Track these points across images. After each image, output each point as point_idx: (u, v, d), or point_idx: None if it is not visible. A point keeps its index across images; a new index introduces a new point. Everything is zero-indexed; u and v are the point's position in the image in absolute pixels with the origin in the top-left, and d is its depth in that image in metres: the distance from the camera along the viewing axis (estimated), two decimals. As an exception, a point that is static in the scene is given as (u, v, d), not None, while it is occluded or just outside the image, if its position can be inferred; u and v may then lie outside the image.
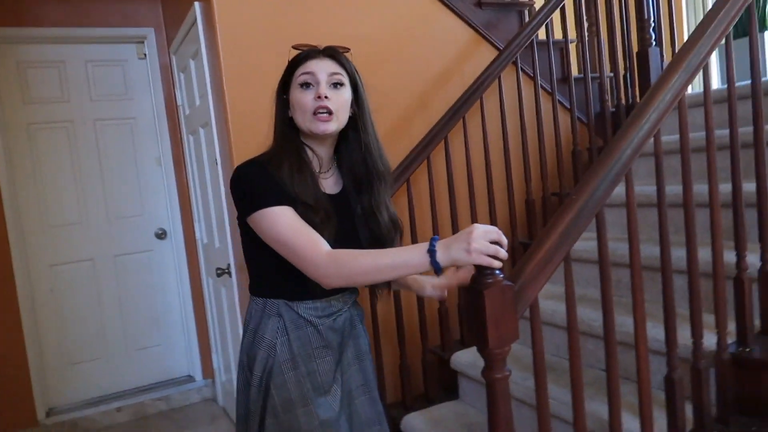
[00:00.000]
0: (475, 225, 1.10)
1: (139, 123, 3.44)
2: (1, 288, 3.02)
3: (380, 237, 1.38)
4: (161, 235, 3.49)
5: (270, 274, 1.33)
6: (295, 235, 1.22)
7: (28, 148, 3.20)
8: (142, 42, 3.40)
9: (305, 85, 1.30)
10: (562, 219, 1.24)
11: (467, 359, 2.24)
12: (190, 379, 3.54)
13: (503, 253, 1.10)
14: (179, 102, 3.27)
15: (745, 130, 1.64)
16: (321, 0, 2.42)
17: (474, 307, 1.13)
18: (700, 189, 1.68)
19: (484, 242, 1.08)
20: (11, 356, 3.04)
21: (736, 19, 1.49)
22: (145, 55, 3.42)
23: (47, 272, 3.25)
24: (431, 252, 1.10)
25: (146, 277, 3.47)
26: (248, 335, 1.36)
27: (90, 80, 3.33)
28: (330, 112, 1.28)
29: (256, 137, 2.29)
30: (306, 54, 1.32)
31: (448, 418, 2.21)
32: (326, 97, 1.28)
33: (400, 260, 1.15)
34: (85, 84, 3.32)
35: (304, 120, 1.30)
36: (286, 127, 1.36)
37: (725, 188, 1.63)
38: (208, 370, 3.48)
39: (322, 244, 1.21)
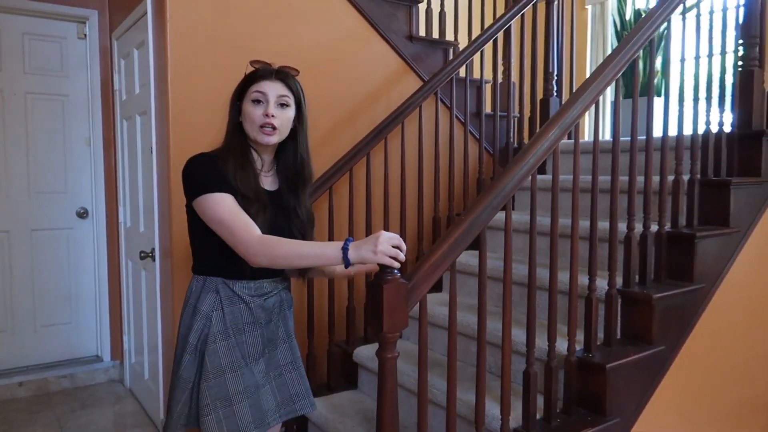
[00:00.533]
0: (382, 231, 1.39)
1: (71, 101, 3.48)
2: None
3: (300, 229, 1.65)
4: (83, 214, 3.53)
5: (211, 255, 1.54)
6: (232, 218, 1.46)
7: (-48, 113, 3.18)
8: (84, 22, 3.46)
9: (256, 102, 1.55)
10: (451, 234, 1.53)
11: (368, 353, 2.51)
12: (97, 359, 3.58)
13: (402, 257, 1.39)
14: (116, 86, 3.36)
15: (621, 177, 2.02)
16: (265, 13, 2.63)
17: (374, 298, 1.40)
18: (566, 222, 2.06)
19: (387, 246, 1.37)
20: None
21: (604, 90, 1.87)
22: (85, 35, 3.47)
23: (-42, 240, 3.22)
24: (344, 249, 1.38)
25: (63, 254, 3.50)
26: (188, 309, 1.58)
27: (25, 52, 3.35)
28: (274, 128, 1.54)
29: (193, 130, 2.49)
30: (261, 74, 1.57)
31: (346, 404, 2.46)
32: (273, 116, 1.53)
33: (319, 251, 1.43)
34: (20, 56, 3.33)
35: (252, 130, 1.56)
36: (236, 130, 1.60)
37: (586, 224, 2.01)
38: (117, 352, 3.55)
39: (254, 228, 1.46)
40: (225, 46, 2.53)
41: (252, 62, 1.61)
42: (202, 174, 1.51)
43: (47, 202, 3.45)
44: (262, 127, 1.53)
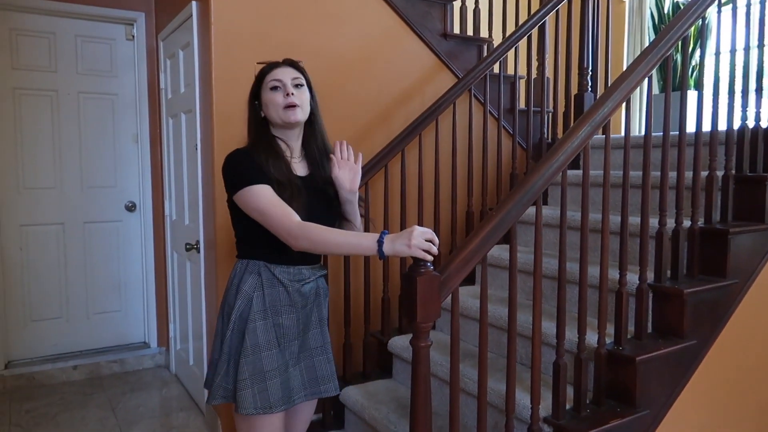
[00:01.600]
0: (416, 226, 1.47)
1: (120, 100, 3.65)
2: (-25, 242, 3.20)
3: (337, 207, 1.77)
4: (131, 207, 3.71)
5: (255, 241, 1.66)
6: (272, 207, 1.57)
7: (12, 111, 3.37)
8: (132, 24, 3.62)
9: (275, 88, 1.69)
10: (482, 229, 1.60)
11: (403, 344, 2.59)
12: (145, 345, 3.77)
13: (435, 250, 1.47)
14: (162, 85, 3.51)
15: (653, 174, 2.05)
16: (305, 14, 2.72)
17: (408, 289, 1.48)
18: (596, 217, 2.09)
19: (421, 240, 1.45)
20: (-23, 307, 3.22)
21: (636, 88, 1.89)
22: (133, 36, 3.63)
23: (18, 231, 3.43)
24: (380, 242, 1.47)
25: (113, 245, 3.68)
26: (231, 289, 1.69)
27: (78, 54, 3.53)
28: (296, 105, 1.68)
29: (236, 128, 2.60)
30: (271, 65, 1.72)
31: (381, 392, 2.55)
32: (292, 94, 1.67)
33: (355, 242, 1.53)
34: (72, 57, 3.51)
35: (277, 114, 1.68)
36: (259, 125, 1.73)
37: (617, 219, 2.04)
38: (163, 339, 3.73)
39: (294, 215, 1.57)
40: (267, 47, 2.63)
41: (259, 63, 1.77)
42: (239, 169, 1.63)
43: (98, 196, 3.64)
44: (285, 108, 1.66)
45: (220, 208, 2.60)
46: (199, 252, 2.86)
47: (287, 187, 1.63)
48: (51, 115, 3.48)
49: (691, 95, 2.29)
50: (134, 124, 3.69)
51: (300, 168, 1.76)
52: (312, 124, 1.77)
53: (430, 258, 1.46)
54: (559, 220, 2.50)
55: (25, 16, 3.37)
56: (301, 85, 1.71)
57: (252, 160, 1.64)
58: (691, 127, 2.14)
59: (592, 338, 1.96)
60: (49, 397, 3.23)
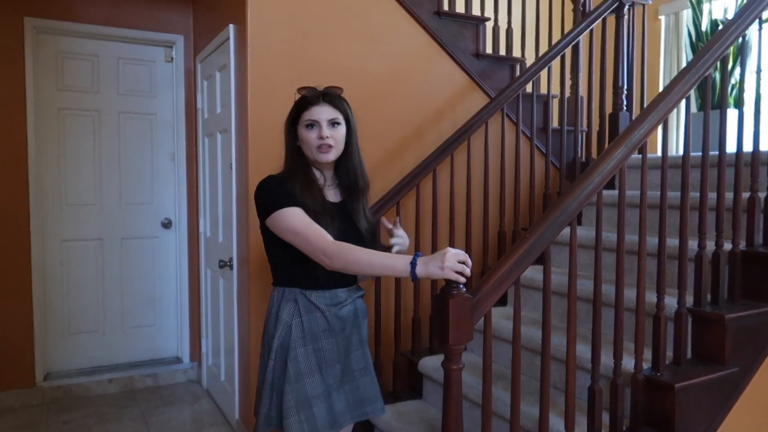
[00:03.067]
0: (448, 248, 1.46)
1: (158, 119, 3.76)
2: (18, 258, 3.31)
3: (367, 234, 1.76)
4: (167, 224, 3.79)
5: (288, 267, 1.67)
6: (306, 227, 1.58)
7: (57, 130, 3.50)
8: (171, 47, 3.73)
9: (310, 126, 1.67)
10: (516, 251, 1.58)
11: (433, 364, 2.57)
12: (177, 360, 3.82)
13: (468, 272, 1.45)
14: (199, 105, 3.59)
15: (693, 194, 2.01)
16: (336, 36, 2.77)
17: (440, 311, 1.47)
18: (632, 238, 2.05)
19: (454, 262, 1.44)
20: (20, 321, 3.33)
21: (674, 108, 1.86)
22: (172, 58, 3.74)
23: (59, 247, 3.53)
24: (413, 264, 1.46)
25: (148, 261, 3.76)
26: (271, 318, 1.71)
27: (119, 75, 3.65)
28: (330, 146, 1.67)
29: (271, 148, 2.64)
30: (310, 100, 1.69)
31: (412, 412, 2.53)
32: (327, 137, 1.66)
33: (389, 263, 1.52)
34: (114, 78, 3.63)
35: (311, 152, 1.69)
36: (295, 153, 1.73)
37: (653, 241, 2.00)
38: (195, 354, 3.78)
39: (327, 235, 1.58)
40: (302, 67, 2.68)
41: (299, 90, 1.74)
42: (271, 194, 1.65)
43: (136, 213, 3.73)
44: (319, 147, 1.66)
45: (253, 226, 2.64)
46: (232, 269, 2.90)
47: (323, 215, 1.64)
48: (93, 134, 3.60)
49: (731, 114, 2.24)
50: (171, 143, 3.78)
51: (332, 194, 1.77)
52: (346, 156, 1.75)
53: (463, 280, 1.45)
54: (593, 240, 2.47)
55: (71, 39, 3.50)
56: (337, 124, 1.69)
57: (284, 186, 1.65)
58: (731, 147, 2.09)
59: (628, 363, 1.91)
60: (84, 409, 3.29)
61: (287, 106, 2.66)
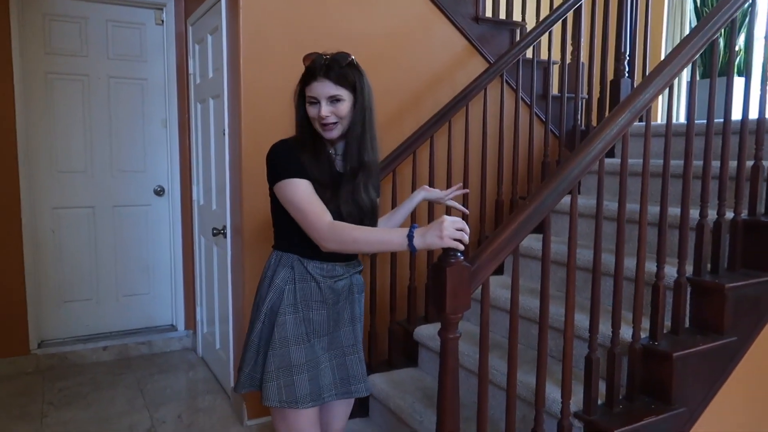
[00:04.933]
0: (445, 217, 1.42)
1: (149, 85, 3.67)
2: (9, 225, 3.26)
3: (363, 209, 1.66)
4: (159, 192, 3.73)
5: (290, 234, 1.63)
6: (307, 204, 1.54)
7: (45, 96, 3.41)
8: (161, 9, 3.62)
9: (312, 103, 1.59)
10: (515, 219, 1.55)
11: (428, 333, 2.56)
12: (172, 328, 3.82)
13: (466, 239, 1.43)
14: (191, 70, 3.50)
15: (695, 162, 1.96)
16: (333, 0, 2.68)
17: (437, 280, 1.44)
18: (633, 207, 2.02)
19: (452, 230, 1.41)
20: (12, 289, 3.29)
21: (678, 74, 1.81)
22: (162, 21, 3.63)
23: (50, 214, 3.48)
24: (410, 237, 1.42)
25: (141, 229, 3.72)
26: (265, 281, 1.68)
27: (109, 39, 3.54)
28: (334, 123, 1.59)
29: (265, 114, 2.58)
30: (311, 74, 1.57)
31: (407, 381, 2.53)
32: (326, 116, 1.57)
33: (385, 238, 1.48)
34: (103, 42, 3.53)
35: (315, 126, 1.62)
36: (304, 123, 1.65)
37: (654, 210, 1.97)
38: (190, 322, 3.77)
39: (326, 215, 1.53)
40: (296, 32, 2.60)
41: (304, 59, 1.63)
42: (281, 161, 1.60)
43: (128, 180, 3.67)
44: (322, 125, 1.59)
45: (247, 194, 2.59)
46: (225, 237, 2.86)
47: (329, 186, 1.60)
48: (82, 100, 3.51)
49: (737, 82, 2.19)
50: (163, 109, 3.70)
51: (338, 163, 1.71)
52: (349, 130, 1.62)
53: (461, 247, 1.42)
54: (593, 209, 2.44)
55: (58, 1, 3.39)
56: (338, 101, 1.57)
57: (295, 154, 1.61)
58: (736, 115, 2.04)
59: (626, 332, 1.89)
60: (80, 376, 3.29)
61: (282, 70, 2.60)
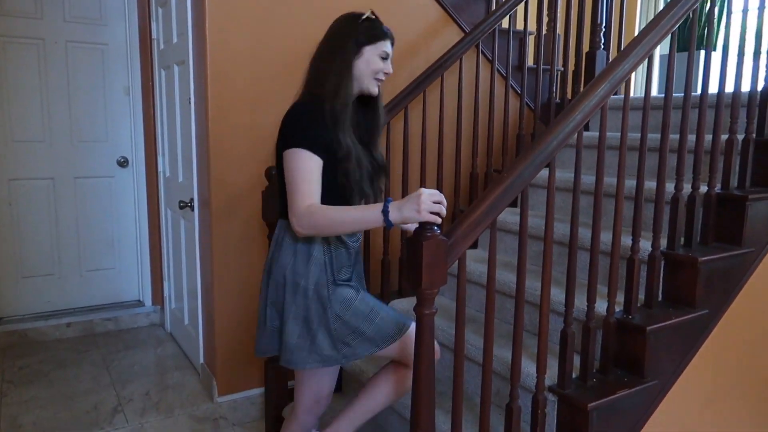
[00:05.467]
0: (422, 189, 1.38)
1: (110, 50, 3.49)
2: (-39, 196, 3.09)
3: (381, 166, 1.72)
4: (123, 163, 3.59)
5: (323, 199, 1.56)
6: (301, 182, 1.50)
7: (-3, 60, 3.22)
8: (121, -31, 3.43)
9: (384, 59, 1.64)
10: (492, 191, 1.50)
11: (402, 307, 2.53)
12: (139, 303, 3.71)
13: (444, 212, 1.40)
14: (154, 35, 3.34)
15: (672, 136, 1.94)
16: (306, -40, 2.56)
17: (413, 254, 1.39)
18: (611, 181, 2.00)
19: (429, 203, 1.38)
20: (-34, 263, 3.14)
21: (657, 44, 1.77)
22: (122, -18, 3.45)
23: (6, 186, 3.32)
24: (385, 212, 1.39)
25: (105, 201, 3.58)
26: (300, 255, 1.61)
27: (65, 0, 3.35)
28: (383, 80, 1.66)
29: (232, 82, 2.48)
30: (388, 35, 1.65)
31: (381, 357, 2.50)
32: (391, 71, 1.67)
33: (359, 216, 1.46)
34: (59, 3, 3.33)
35: (366, 78, 1.62)
36: (347, 75, 1.59)
37: (631, 183, 1.95)
38: (157, 297, 3.67)
39: (312, 199, 1.49)
40: (263, -6, 2.48)
41: (369, 15, 1.64)
42: (299, 127, 1.53)
43: (89, 151, 3.51)
44: (376, 79, 1.64)
45: (215, 166, 2.50)
46: (193, 210, 2.77)
47: (352, 157, 1.56)
48: (38, 65, 3.32)
49: (714, 55, 2.17)
50: (125, 76, 3.53)
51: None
52: (378, 100, 1.73)
53: (439, 221, 1.38)
54: (567, 183, 2.42)
55: (8, -43, 3.18)
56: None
57: (316, 120, 1.53)
58: (713, 89, 2.03)
59: (600, 306, 1.89)
60: (42, 353, 3.18)
61: (251, 34, 2.49)
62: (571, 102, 1.65)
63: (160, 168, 3.46)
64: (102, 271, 3.63)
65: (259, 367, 2.69)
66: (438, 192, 1.39)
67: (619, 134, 1.81)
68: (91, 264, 3.59)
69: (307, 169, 1.51)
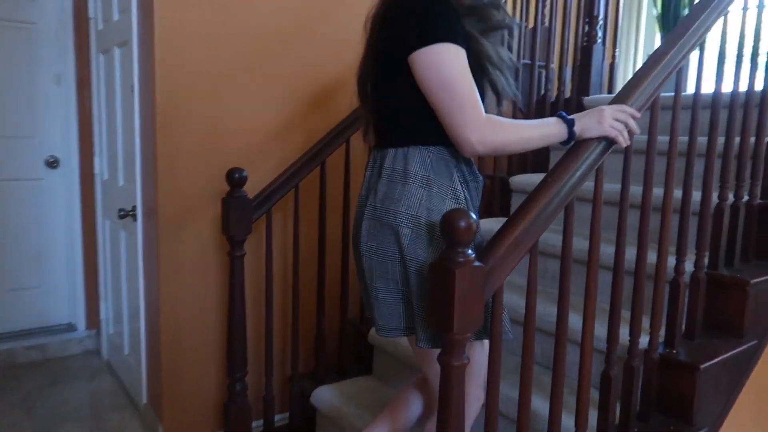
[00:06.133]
0: (604, 106, 1.21)
1: (40, 30, 3.00)
2: None
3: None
4: (53, 163, 3.09)
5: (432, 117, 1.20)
6: (464, 84, 1.14)
7: None
8: (52, -63, 2.94)
9: None
10: (534, 204, 1.16)
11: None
12: (71, 327, 3.20)
13: (637, 130, 1.23)
14: (91, 14, 2.90)
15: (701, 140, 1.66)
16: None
17: (439, 288, 1.03)
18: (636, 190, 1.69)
19: (612, 120, 1.20)
20: None
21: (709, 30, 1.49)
22: (53, -48, 2.96)
23: None
24: (569, 122, 1.19)
25: (30, 209, 3.07)
26: (435, 187, 1.22)
27: (-18, -29, 2.84)
28: None
29: (185, 64, 2.07)
30: None
31: (363, 392, 2.12)
32: None
33: (543, 131, 1.20)
34: (-25, -26, 2.82)
35: None
36: None
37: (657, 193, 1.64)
38: (93, 320, 3.18)
39: (481, 108, 1.16)
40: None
41: None
42: (427, 14, 1.13)
43: (12, 149, 3.00)
44: None
45: (163, 167, 2.08)
46: (135, 220, 2.32)
47: (503, 61, 1.25)
48: (-53, 46, 2.80)
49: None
50: (57, 62, 3.04)
51: None
52: None
53: (624, 140, 1.22)
54: (610, 196, 2.09)
55: None
56: None
57: (449, 4, 1.15)
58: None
59: (626, 336, 1.57)
60: (-52, 392, 2.65)
61: (206, 7, 2.09)
62: (618, 93, 1.33)
63: (96, 169, 2.99)
64: (26, 290, 3.10)
65: (216, 407, 2.27)
66: (625, 107, 1.22)
67: (667, 138, 1.51)
68: (12, 282, 3.05)
69: (462, 66, 1.14)
